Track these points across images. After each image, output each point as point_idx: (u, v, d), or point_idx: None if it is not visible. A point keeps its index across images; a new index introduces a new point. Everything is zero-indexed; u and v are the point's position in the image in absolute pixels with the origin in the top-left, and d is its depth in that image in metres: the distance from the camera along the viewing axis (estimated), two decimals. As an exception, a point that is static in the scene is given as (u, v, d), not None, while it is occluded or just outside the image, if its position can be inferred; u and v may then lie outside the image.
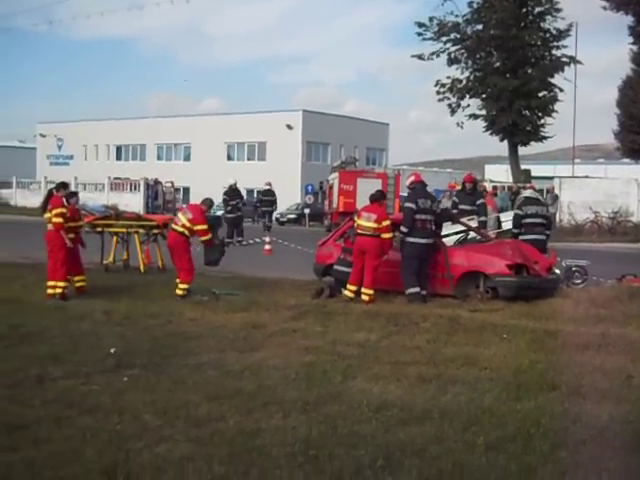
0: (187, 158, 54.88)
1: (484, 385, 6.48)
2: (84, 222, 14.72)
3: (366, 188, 29.26)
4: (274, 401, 5.83)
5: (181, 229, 11.52)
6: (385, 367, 7.10)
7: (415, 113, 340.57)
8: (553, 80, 29.83)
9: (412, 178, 11.45)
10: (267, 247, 19.13)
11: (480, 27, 29.21)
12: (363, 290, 10.85)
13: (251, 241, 21.28)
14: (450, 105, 29.85)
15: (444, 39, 29.18)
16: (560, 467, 4.56)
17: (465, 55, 29.57)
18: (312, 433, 5.05)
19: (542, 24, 29.58)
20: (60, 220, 11.24)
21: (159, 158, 56.31)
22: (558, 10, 29.32)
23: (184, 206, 12.10)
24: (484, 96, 29.65)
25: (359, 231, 10.93)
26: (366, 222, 10.85)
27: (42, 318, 9.55)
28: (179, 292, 11.36)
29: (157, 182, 44.71)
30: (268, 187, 28.84)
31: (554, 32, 29.53)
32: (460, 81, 29.60)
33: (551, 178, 31.87)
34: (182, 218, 11.62)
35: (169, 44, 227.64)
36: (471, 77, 29.79)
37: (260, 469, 4.45)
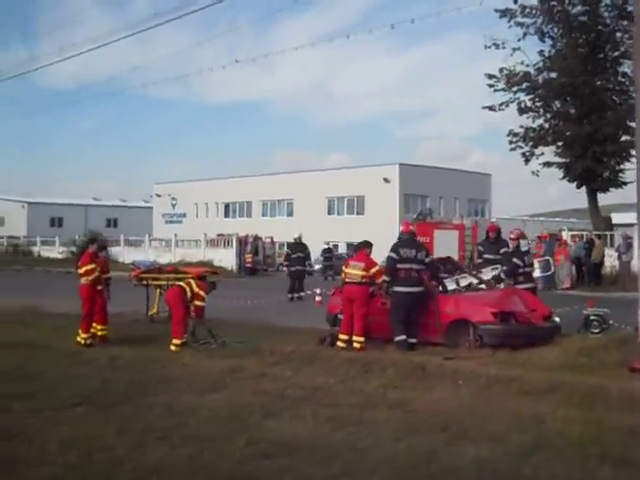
0: (290, 214, 56.49)
1: (387, 426, 6.75)
2: (132, 275, 16.04)
3: (443, 239, 29.40)
4: (169, 436, 6.39)
5: (186, 287, 12.23)
6: (313, 409, 7.43)
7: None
8: (633, 124, 28.85)
9: (402, 228, 11.75)
10: (318, 298, 19.70)
11: (553, 75, 28.93)
12: (354, 338, 11.15)
13: (302, 293, 21.90)
14: (524, 154, 29.58)
15: (515, 89, 29.12)
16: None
17: (538, 104, 29.30)
18: (165, 462, 5.59)
19: (619, 68, 29.01)
20: (91, 277, 12.26)
21: (264, 214, 58.36)
22: (636, 53, 28.62)
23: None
24: (559, 143, 29.17)
25: (347, 279, 11.29)
26: (353, 270, 11.23)
27: (53, 362, 10.58)
28: (173, 348, 11.68)
29: (257, 238, 46.29)
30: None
31: (632, 75, 28.80)
32: (533, 130, 29.32)
33: (632, 225, 30.55)
34: (192, 282, 12.46)
35: (296, 105, 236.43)
36: (545, 125, 29.45)
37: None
